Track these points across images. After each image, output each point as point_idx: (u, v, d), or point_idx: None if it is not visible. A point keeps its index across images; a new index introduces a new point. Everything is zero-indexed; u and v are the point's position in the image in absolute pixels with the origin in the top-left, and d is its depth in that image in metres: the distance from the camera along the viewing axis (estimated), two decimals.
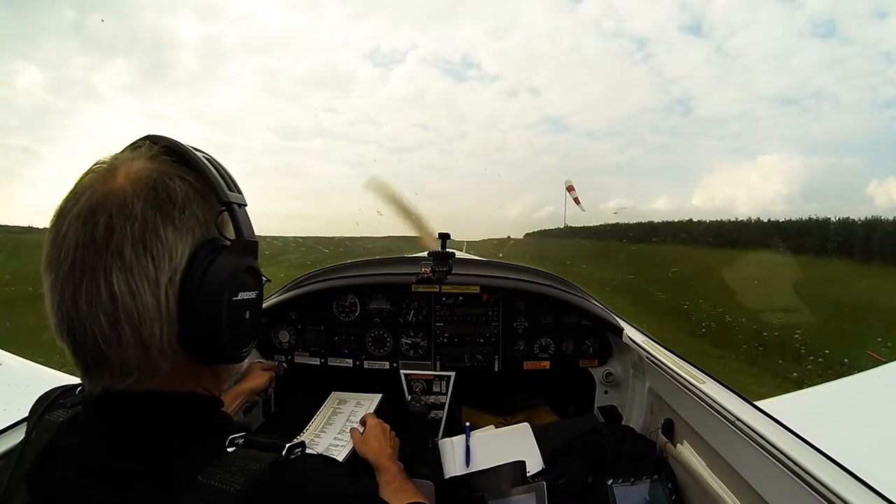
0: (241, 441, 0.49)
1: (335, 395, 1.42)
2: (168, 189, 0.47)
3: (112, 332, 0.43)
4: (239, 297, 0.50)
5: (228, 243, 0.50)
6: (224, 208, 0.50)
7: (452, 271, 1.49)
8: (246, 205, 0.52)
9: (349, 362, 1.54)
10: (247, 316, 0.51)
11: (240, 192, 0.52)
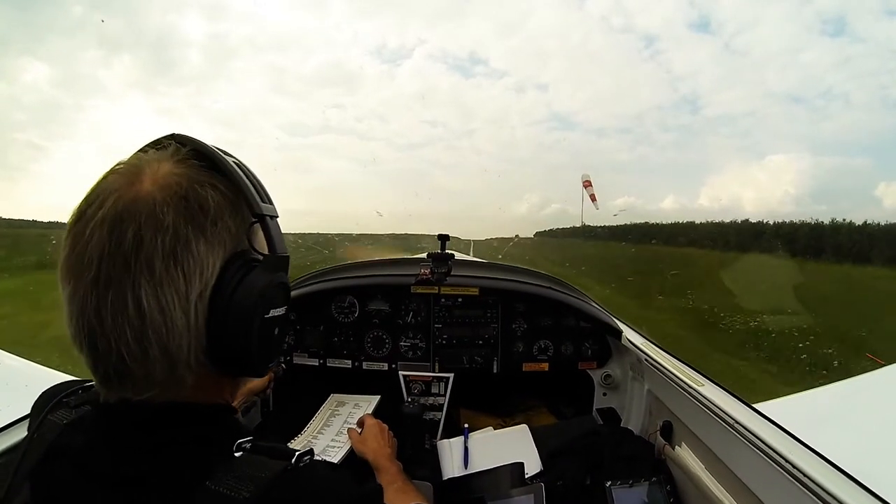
0: (247, 446, 0.48)
1: (334, 397, 1.42)
2: (199, 198, 0.45)
3: (138, 347, 0.42)
4: (270, 315, 0.48)
5: (261, 258, 0.49)
6: (256, 220, 0.49)
7: (451, 273, 1.49)
8: (278, 216, 0.51)
9: (348, 363, 1.53)
10: (276, 332, 0.50)
11: (271, 203, 0.50)
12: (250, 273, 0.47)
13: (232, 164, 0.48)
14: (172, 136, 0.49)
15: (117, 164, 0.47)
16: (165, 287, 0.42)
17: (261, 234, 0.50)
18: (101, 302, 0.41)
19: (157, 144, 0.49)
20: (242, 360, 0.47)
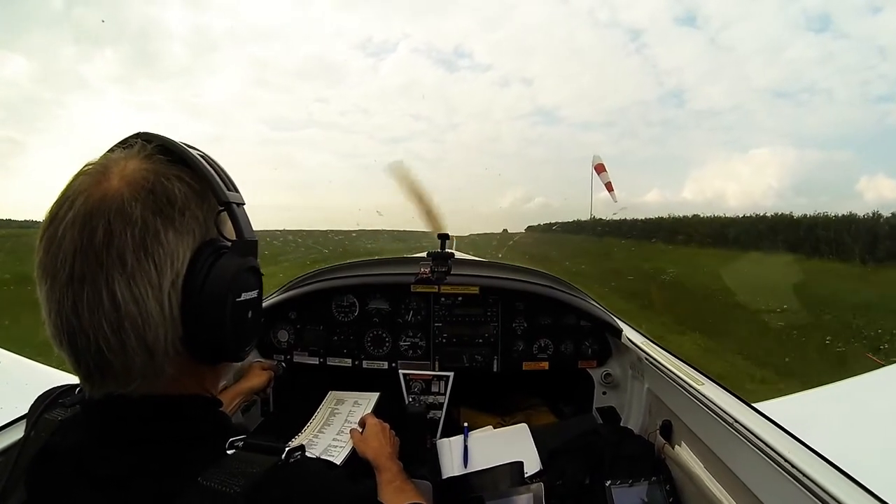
0: (240, 443, 0.49)
1: (332, 395, 1.42)
2: (166, 191, 0.46)
3: (116, 339, 0.43)
4: (242, 298, 0.50)
5: (229, 244, 0.50)
6: (223, 208, 0.50)
7: (451, 272, 1.49)
8: (244, 203, 0.52)
9: (348, 362, 1.54)
10: (249, 315, 0.52)
11: (237, 191, 0.52)
12: (220, 259, 0.48)
13: (197, 156, 0.49)
14: (138, 135, 0.50)
15: (86, 165, 0.47)
16: (138, 278, 0.43)
17: (229, 221, 0.51)
18: (77, 298, 0.42)
19: (123, 144, 0.50)
20: (218, 345, 0.48)
